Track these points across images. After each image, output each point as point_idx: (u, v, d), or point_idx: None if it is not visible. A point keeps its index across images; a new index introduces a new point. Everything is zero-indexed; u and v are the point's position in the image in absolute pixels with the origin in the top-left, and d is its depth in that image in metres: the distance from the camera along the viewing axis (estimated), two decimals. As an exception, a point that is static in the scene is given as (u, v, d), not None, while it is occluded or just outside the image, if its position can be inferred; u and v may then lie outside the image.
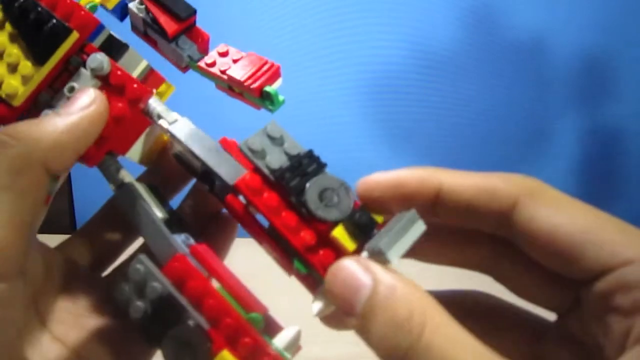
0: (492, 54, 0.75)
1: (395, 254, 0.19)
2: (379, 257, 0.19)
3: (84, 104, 0.22)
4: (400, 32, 0.73)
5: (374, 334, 0.17)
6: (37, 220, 0.23)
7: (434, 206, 0.21)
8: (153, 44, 0.30)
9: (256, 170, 0.22)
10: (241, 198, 0.23)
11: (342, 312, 0.18)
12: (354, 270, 0.18)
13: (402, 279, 0.18)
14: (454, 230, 0.23)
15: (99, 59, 0.24)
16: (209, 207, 0.27)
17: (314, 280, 0.22)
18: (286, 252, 0.22)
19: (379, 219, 0.21)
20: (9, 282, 0.21)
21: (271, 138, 0.23)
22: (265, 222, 0.23)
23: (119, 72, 0.24)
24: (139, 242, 0.28)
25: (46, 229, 0.27)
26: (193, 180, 0.28)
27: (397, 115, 0.75)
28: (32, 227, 0.22)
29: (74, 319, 0.24)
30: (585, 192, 0.82)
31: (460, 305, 0.23)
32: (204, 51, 0.29)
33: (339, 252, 0.21)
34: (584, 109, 0.79)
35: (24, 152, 0.21)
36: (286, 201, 0.22)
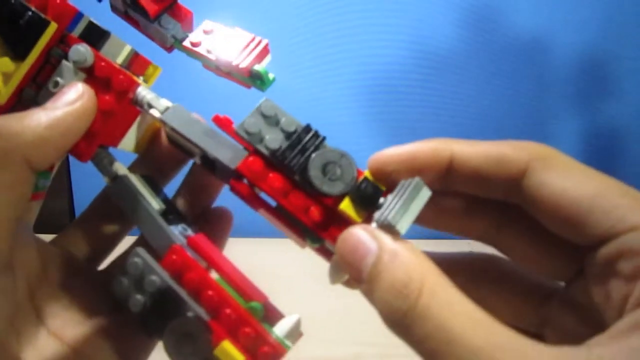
0: (492, 53, 0.74)
1: (404, 224, 0.19)
2: (389, 229, 0.19)
3: (71, 99, 0.22)
4: (400, 32, 0.72)
5: (377, 298, 0.17)
6: (25, 215, 0.22)
7: (446, 176, 0.21)
8: (135, 24, 0.28)
9: (256, 152, 0.22)
10: (245, 181, 0.23)
11: (352, 278, 0.19)
12: (361, 237, 0.18)
13: (405, 246, 0.18)
14: (461, 198, 0.23)
15: (81, 51, 0.23)
16: (204, 198, 0.27)
17: (327, 250, 0.23)
18: (297, 228, 0.22)
19: (381, 187, 0.21)
20: None
21: (266, 117, 0.23)
22: (271, 200, 0.23)
23: (103, 63, 0.23)
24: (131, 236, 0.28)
25: (46, 229, 0.27)
26: (186, 167, 0.27)
27: (397, 115, 0.74)
28: (19, 222, 0.21)
29: (70, 314, 0.24)
30: None
31: (467, 268, 0.23)
32: (188, 29, 0.28)
33: (347, 224, 0.21)
34: (584, 108, 0.78)
35: (4, 147, 0.20)
36: (290, 179, 0.22)
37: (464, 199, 0.23)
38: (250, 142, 0.22)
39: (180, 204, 0.26)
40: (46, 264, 0.24)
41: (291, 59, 0.70)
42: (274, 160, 0.22)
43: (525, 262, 0.22)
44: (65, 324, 0.24)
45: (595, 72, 0.76)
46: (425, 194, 0.20)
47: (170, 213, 0.24)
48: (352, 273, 0.18)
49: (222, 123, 0.24)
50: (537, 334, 0.22)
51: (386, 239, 0.18)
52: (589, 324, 0.20)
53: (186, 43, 0.28)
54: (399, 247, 0.18)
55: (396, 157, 0.21)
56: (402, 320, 0.16)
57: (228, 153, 0.23)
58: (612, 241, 0.18)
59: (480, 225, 0.23)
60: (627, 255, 0.17)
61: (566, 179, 0.19)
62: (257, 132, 0.22)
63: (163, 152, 0.26)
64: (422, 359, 0.16)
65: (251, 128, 0.22)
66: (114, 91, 0.23)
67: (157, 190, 0.25)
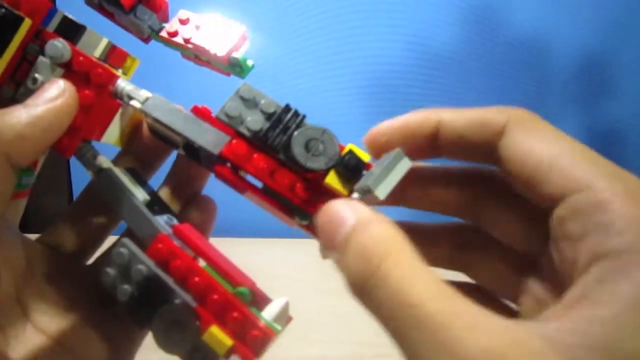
0: (492, 53, 0.74)
1: (383, 190, 0.20)
2: (368, 195, 0.20)
3: (52, 95, 0.22)
4: (400, 32, 0.72)
5: (345, 265, 0.18)
6: (8, 212, 0.23)
7: (434, 142, 0.21)
8: (109, 16, 0.28)
9: (239, 135, 0.22)
10: (229, 165, 0.23)
11: (326, 248, 0.19)
12: (339, 208, 0.19)
13: (379, 217, 0.18)
14: (438, 174, 0.23)
15: (57, 47, 0.23)
16: (190, 189, 0.27)
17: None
18: (285, 206, 0.23)
19: (366, 157, 0.22)
20: None
21: (245, 100, 0.23)
22: (256, 182, 0.23)
23: (80, 58, 0.23)
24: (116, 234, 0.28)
25: (46, 228, 0.27)
26: (170, 158, 0.28)
27: (397, 115, 0.75)
28: (1, 220, 0.22)
29: (57, 310, 0.25)
30: None
31: (452, 235, 0.24)
32: (164, 19, 0.28)
33: (334, 198, 0.22)
34: (584, 108, 0.78)
35: None
36: (275, 159, 0.22)
37: (442, 174, 0.23)
38: (231, 126, 0.22)
39: (166, 195, 0.27)
40: (32, 261, 0.25)
41: (291, 58, 0.70)
42: (257, 142, 0.22)
43: (503, 232, 0.22)
44: (52, 320, 0.24)
45: (595, 72, 0.76)
46: (406, 163, 0.21)
47: (155, 204, 0.25)
48: (326, 242, 0.19)
49: (201, 113, 0.24)
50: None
51: (362, 209, 0.18)
52: (556, 292, 0.20)
53: (163, 33, 0.27)
54: (373, 217, 0.18)
55: (389, 128, 0.22)
56: (364, 283, 0.17)
57: (211, 139, 0.23)
58: (564, 201, 0.17)
59: (458, 197, 0.23)
60: (574, 215, 0.17)
61: (536, 140, 0.19)
62: (237, 116, 0.22)
63: (146, 143, 0.26)
64: (381, 325, 0.16)
65: (232, 112, 0.22)
66: (93, 85, 0.23)
67: (141, 182, 0.25)
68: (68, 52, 0.23)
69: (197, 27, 0.27)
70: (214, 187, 0.27)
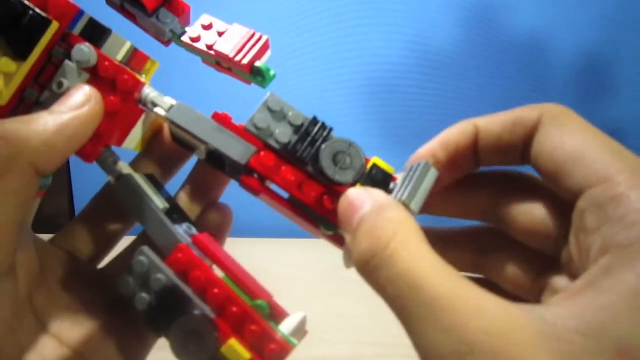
0: (492, 53, 0.73)
1: (417, 204, 0.21)
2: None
3: (78, 103, 0.21)
4: (400, 32, 0.71)
5: (355, 244, 0.18)
6: (28, 217, 0.23)
7: (475, 152, 0.22)
8: (131, 17, 0.28)
9: (267, 146, 0.23)
10: (256, 175, 0.23)
11: (345, 231, 0.20)
12: (358, 193, 0.20)
13: (394, 203, 0.19)
14: (462, 180, 0.24)
15: (84, 51, 0.23)
16: (208, 195, 0.27)
17: (341, 237, 0.23)
18: (311, 217, 0.23)
19: (391, 170, 0.23)
20: None
21: (273, 112, 0.23)
22: (281, 192, 0.23)
23: (107, 63, 0.23)
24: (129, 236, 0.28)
25: (46, 228, 0.27)
26: (189, 164, 0.28)
27: (397, 115, 0.74)
28: (21, 225, 0.22)
29: (69, 314, 0.24)
30: None
31: (473, 239, 0.24)
32: (186, 23, 0.28)
33: None
34: (583, 108, 0.77)
35: (11, 152, 0.20)
36: (302, 171, 0.23)
37: (465, 180, 0.23)
38: (260, 138, 0.23)
39: (184, 200, 0.27)
40: (44, 264, 0.24)
41: (291, 58, 0.70)
42: (286, 154, 0.23)
43: (525, 234, 0.22)
44: (65, 325, 0.24)
45: (595, 72, 0.76)
46: (433, 174, 0.21)
47: (174, 212, 0.25)
48: (344, 225, 0.19)
49: (222, 120, 0.24)
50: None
51: (379, 195, 0.19)
52: None
53: (185, 38, 0.27)
54: (389, 202, 0.19)
55: (430, 150, 0.22)
56: (370, 260, 0.17)
57: (237, 149, 0.23)
58: (584, 194, 0.18)
59: (484, 200, 0.23)
60: (592, 208, 0.17)
61: (566, 134, 0.19)
62: (266, 128, 0.23)
63: (166, 149, 0.26)
64: (387, 303, 0.17)
65: (260, 123, 0.23)
66: (120, 92, 0.23)
67: (160, 189, 0.25)
68: (94, 57, 0.23)
69: (220, 34, 0.27)
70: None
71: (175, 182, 0.28)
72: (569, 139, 0.19)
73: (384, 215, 0.18)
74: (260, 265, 0.28)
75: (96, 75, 0.23)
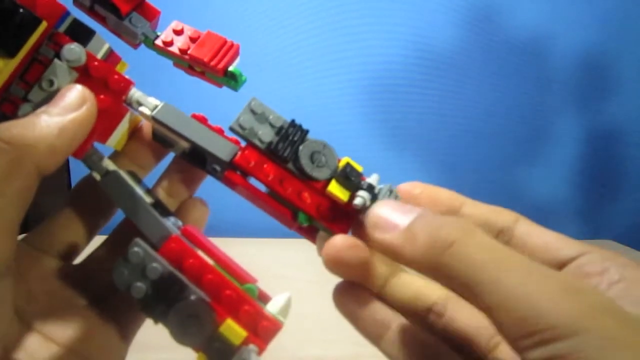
0: (492, 53, 0.75)
1: None
2: None
3: (74, 103, 0.22)
4: (400, 32, 0.72)
5: (419, 243, 0.20)
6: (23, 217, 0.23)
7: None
8: (101, 20, 0.29)
9: (251, 145, 0.25)
10: (239, 172, 0.25)
11: (376, 230, 0.22)
12: (400, 204, 0.22)
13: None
14: None
15: (76, 51, 0.23)
16: (185, 190, 0.28)
17: (312, 230, 0.26)
18: (288, 210, 0.25)
19: (360, 168, 0.26)
20: None
21: (255, 114, 0.25)
22: (259, 186, 0.26)
23: (95, 63, 0.24)
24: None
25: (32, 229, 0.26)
26: (164, 162, 0.29)
27: (397, 115, 0.74)
28: (19, 226, 0.22)
29: (52, 312, 0.25)
30: (584, 189, 0.84)
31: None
32: (154, 28, 0.29)
33: (334, 203, 0.25)
34: (583, 108, 0.80)
35: (17, 157, 0.21)
36: (282, 168, 0.25)
37: None
38: (246, 137, 0.25)
39: (161, 195, 0.28)
40: (20, 263, 0.24)
41: (292, 58, 0.69)
42: (268, 152, 0.25)
43: None
44: (47, 321, 0.24)
45: (595, 72, 0.78)
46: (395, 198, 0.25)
47: (158, 206, 0.26)
48: (385, 224, 0.21)
49: (199, 120, 0.26)
50: None
51: (423, 208, 0.22)
52: None
53: (158, 42, 0.29)
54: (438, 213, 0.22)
55: (424, 187, 0.25)
56: (449, 246, 0.19)
57: (222, 147, 0.25)
58: (579, 257, 0.22)
59: None
60: (592, 264, 0.22)
61: (543, 230, 0.24)
62: (251, 128, 0.25)
63: (143, 146, 0.27)
64: (457, 290, 0.19)
65: (246, 124, 0.25)
66: (111, 91, 0.24)
67: (142, 185, 0.26)
68: (84, 57, 0.24)
69: (193, 39, 0.29)
70: (214, 188, 0.29)
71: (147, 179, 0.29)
72: (547, 232, 0.24)
73: (443, 216, 0.21)
74: (260, 265, 0.29)
75: (85, 74, 0.24)
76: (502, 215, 0.25)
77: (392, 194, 0.25)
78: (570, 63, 0.78)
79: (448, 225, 0.20)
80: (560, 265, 0.23)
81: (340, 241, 0.24)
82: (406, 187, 0.25)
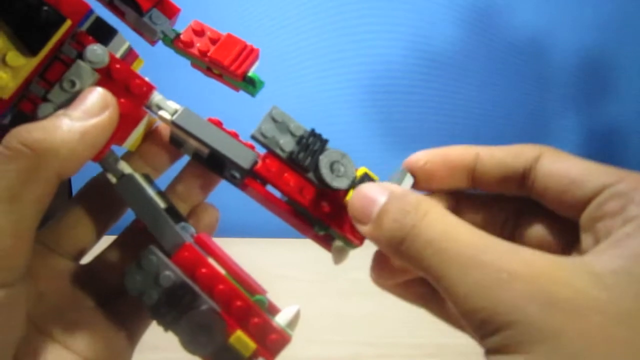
0: (493, 53, 0.74)
1: None
2: None
3: (97, 108, 0.22)
4: (400, 32, 0.71)
5: (383, 229, 0.20)
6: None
7: (471, 173, 0.24)
8: (119, 14, 0.28)
9: (271, 153, 0.25)
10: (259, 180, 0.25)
11: (358, 224, 0.22)
12: (372, 187, 0.22)
13: (412, 191, 0.22)
14: (478, 198, 0.26)
15: (98, 53, 0.23)
16: (199, 194, 0.28)
17: (328, 238, 0.26)
18: (305, 218, 0.26)
19: (376, 178, 0.26)
20: (13, 288, 0.21)
21: (276, 122, 0.25)
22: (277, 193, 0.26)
23: (118, 66, 0.24)
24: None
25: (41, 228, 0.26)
26: (178, 165, 0.28)
27: (397, 115, 0.73)
28: (35, 232, 0.22)
29: (60, 313, 0.25)
30: None
31: (508, 205, 0.25)
32: (173, 25, 0.29)
33: None
34: (583, 108, 0.79)
35: (39, 163, 0.20)
36: (302, 177, 0.25)
37: (482, 198, 0.26)
38: (268, 145, 0.25)
39: (173, 199, 0.28)
40: (31, 262, 0.24)
41: (292, 58, 0.69)
42: (289, 161, 0.25)
43: (555, 199, 0.23)
44: (55, 323, 0.24)
45: (595, 72, 0.77)
46: (409, 179, 0.25)
47: (171, 212, 0.26)
48: (361, 217, 0.21)
49: (215, 125, 0.26)
50: None
51: (394, 187, 0.22)
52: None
53: (177, 41, 0.28)
54: (403, 190, 0.21)
55: (430, 154, 0.25)
56: (405, 238, 0.19)
57: (242, 155, 0.25)
58: (604, 191, 0.20)
59: (500, 218, 0.25)
60: (615, 197, 0.20)
61: (568, 159, 0.22)
62: (272, 137, 0.25)
63: (158, 148, 0.27)
64: (424, 274, 0.19)
65: (267, 133, 0.25)
66: (132, 95, 0.24)
67: (157, 189, 0.26)
68: (107, 59, 0.23)
69: (213, 41, 0.28)
70: (215, 189, 0.29)
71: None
72: (573, 163, 0.22)
73: (406, 199, 0.20)
74: (260, 265, 0.30)
75: (107, 76, 0.23)
76: (521, 156, 0.23)
77: (401, 178, 0.25)
78: (571, 63, 0.78)
79: (403, 212, 0.20)
80: (586, 202, 0.21)
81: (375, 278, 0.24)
82: (410, 159, 0.25)
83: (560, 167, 0.22)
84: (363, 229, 0.22)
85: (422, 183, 0.25)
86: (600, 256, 0.18)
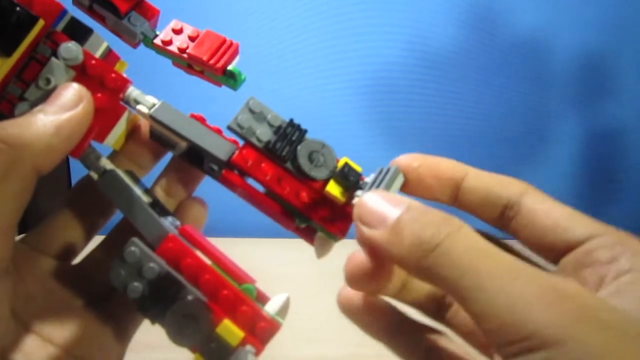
0: (492, 53, 0.74)
1: None
2: None
3: (71, 102, 0.22)
4: (400, 32, 0.71)
5: (405, 235, 0.19)
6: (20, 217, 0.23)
7: (457, 190, 0.24)
8: (99, 19, 0.29)
9: (249, 144, 0.25)
10: (236, 171, 0.25)
11: (365, 226, 0.21)
12: (386, 194, 0.21)
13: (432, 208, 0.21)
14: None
15: (72, 50, 0.23)
16: (184, 190, 0.28)
17: (310, 231, 0.26)
18: (286, 210, 0.25)
19: (359, 169, 0.25)
20: None
21: (253, 113, 0.25)
22: (257, 186, 0.25)
23: (93, 62, 0.24)
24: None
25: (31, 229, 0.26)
26: (162, 161, 0.29)
27: (397, 115, 0.74)
28: (16, 226, 0.22)
29: (50, 312, 0.25)
30: (584, 191, 0.82)
31: None
32: (154, 27, 0.29)
33: (332, 204, 0.25)
34: (583, 108, 0.79)
35: (15, 157, 0.20)
36: (280, 168, 0.25)
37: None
38: (244, 136, 0.25)
39: (159, 195, 0.28)
40: (19, 263, 0.24)
41: (292, 58, 0.69)
42: (267, 151, 0.25)
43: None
44: (45, 322, 0.24)
45: (595, 72, 0.77)
46: (400, 179, 0.24)
47: (156, 206, 0.26)
48: (371, 220, 0.20)
49: (198, 120, 0.26)
50: None
51: (410, 200, 0.21)
52: None
53: (157, 41, 0.28)
54: (426, 206, 0.20)
55: (422, 158, 0.24)
56: (434, 248, 0.18)
57: (220, 147, 0.25)
58: (592, 240, 0.21)
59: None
60: (602, 248, 0.21)
61: (553, 205, 0.23)
62: (249, 127, 0.25)
63: (142, 146, 0.27)
64: (446, 289, 0.19)
65: (244, 123, 0.25)
66: (108, 90, 0.24)
67: (140, 184, 0.26)
68: (81, 55, 0.24)
69: (192, 39, 0.29)
70: (212, 188, 0.29)
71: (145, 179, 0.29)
72: (558, 207, 0.22)
73: (431, 211, 0.20)
74: (260, 265, 0.29)
75: (82, 73, 0.24)
76: (508, 187, 0.23)
77: (394, 176, 0.24)
78: (570, 63, 0.77)
79: (432, 225, 0.19)
80: (569, 247, 0.21)
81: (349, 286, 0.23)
82: (405, 159, 0.24)
83: (546, 208, 0.22)
84: (371, 232, 0.21)
85: (412, 186, 0.24)
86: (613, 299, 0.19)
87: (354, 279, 0.23)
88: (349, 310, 0.25)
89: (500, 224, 0.24)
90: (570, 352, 0.16)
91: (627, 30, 0.77)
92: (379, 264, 0.22)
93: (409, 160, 0.24)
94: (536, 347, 0.16)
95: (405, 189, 0.25)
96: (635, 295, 0.19)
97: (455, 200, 0.24)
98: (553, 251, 0.22)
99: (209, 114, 0.28)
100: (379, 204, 0.21)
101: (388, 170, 0.24)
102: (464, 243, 0.19)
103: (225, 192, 0.27)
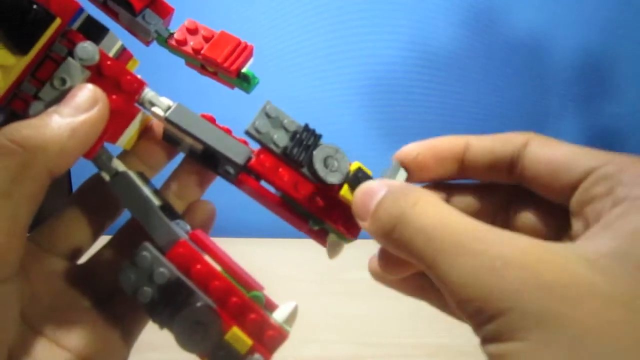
0: (493, 54, 0.74)
1: None
2: None
3: (86, 104, 0.22)
4: (400, 32, 0.71)
5: (376, 220, 0.20)
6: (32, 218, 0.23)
7: (460, 163, 0.24)
8: (113, 15, 0.28)
9: (265, 149, 0.25)
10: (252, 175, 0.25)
11: (359, 220, 0.22)
12: (372, 183, 0.22)
13: (412, 185, 0.21)
14: (469, 188, 0.26)
15: (89, 50, 0.23)
16: (194, 192, 0.28)
17: (322, 233, 0.26)
18: (300, 213, 0.25)
19: (370, 172, 0.25)
20: (5, 284, 0.21)
21: (270, 118, 0.25)
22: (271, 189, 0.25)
23: (108, 62, 0.24)
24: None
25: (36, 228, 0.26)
26: (172, 163, 0.28)
27: (397, 115, 0.73)
28: (27, 228, 0.22)
29: (56, 313, 0.25)
30: None
31: (498, 193, 0.25)
32: (167, 25, 0.29)
33: (345, 207, 0.25)
34: (584, 109, 0.78)
35: (29, 160, 0.20)
36: (295, 172, 0.25)
37: (473, 187, 0.26)
38: (262, 141, 0.25)
39: (169, 197, 0.27)
40: (24, 263, 0.24)
41: (292, 58, 0.69)
42: (284, 157, 0.25)
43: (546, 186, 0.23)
44: (51, 323, 0.24)
45: (595, 73, 0.77)
46: (403, 173, 0.25)
47: (166, 209, 0.26)
48: (361, 212, 0.21)
49: (209, 121, 0.26)
50: None
51: (394, 182, 0.22)
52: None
53: (171, 41, 0.28)
54: (402, 184, 0.21)
55: (420, 145, 0.25)
56: (396, 225, 0.19)
57: (236, 151, 0.25)
58: (591, 175, 0.20)
59: (492, 207, 0.25)
60: (601, 180, 0.20)
61: (556, 145, 0.22)
62: (266, 132, 0.25)
63: (154, 146, 0.27)
64: (416, 261, 0.19)
65: (262, 128, 0.25)
66: (123, 92, 0.24)
67: (151, 187, 0.26)
68: (97, 56, 0.23)
69: (206, 39, 0.28)
70: (214, 188, 0.29)
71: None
72: (560, 148, 0.22)
73: (402, 191, 0.20)
74: (260, 265, 0.29)
75: (98, 73, 0.23)
76: (511, 142, 0.23)
77: (395, 172, 0.25)
78: (570, 63, 0.77)
79: (391, 206, 0.20)
80: (573, 187, 0.21)
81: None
82: (402, 153, 0.25)
83: (547, 152, 0.22)
84: (363, 224, 0.21)
85: (416, 175, 0.25)
86: (593, 240, 0.18)
87: (377, 275, 0.24)
88: (381, 278, 0.26)
89: (513, 180, 0.23)
90: (515, 320, 0.16)
91: (627, 30, 0.76)
92: (389, 256, 0.23)
93: (406, 152, 0.25)
94: (487, 320, 0.17)
95: (412, 179, 0.25)
96: (623, 229, 0.18)
97: (464, 172, 0.24)
98: (562, 194, 0.21)
99: (208, 112, 0.27)
100: (362, 199, 0.22)
101: (389, 168, 0.25)
102: (418, 218, 0.19)
103: (225, 192, 0.27)
